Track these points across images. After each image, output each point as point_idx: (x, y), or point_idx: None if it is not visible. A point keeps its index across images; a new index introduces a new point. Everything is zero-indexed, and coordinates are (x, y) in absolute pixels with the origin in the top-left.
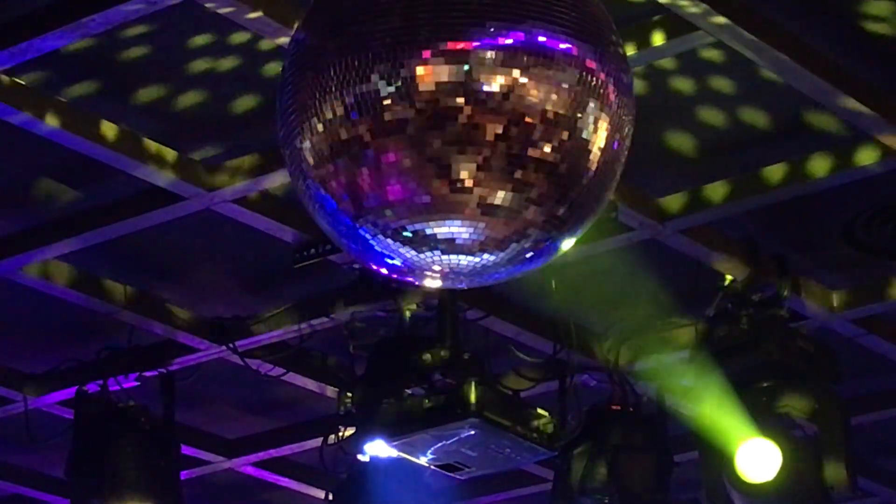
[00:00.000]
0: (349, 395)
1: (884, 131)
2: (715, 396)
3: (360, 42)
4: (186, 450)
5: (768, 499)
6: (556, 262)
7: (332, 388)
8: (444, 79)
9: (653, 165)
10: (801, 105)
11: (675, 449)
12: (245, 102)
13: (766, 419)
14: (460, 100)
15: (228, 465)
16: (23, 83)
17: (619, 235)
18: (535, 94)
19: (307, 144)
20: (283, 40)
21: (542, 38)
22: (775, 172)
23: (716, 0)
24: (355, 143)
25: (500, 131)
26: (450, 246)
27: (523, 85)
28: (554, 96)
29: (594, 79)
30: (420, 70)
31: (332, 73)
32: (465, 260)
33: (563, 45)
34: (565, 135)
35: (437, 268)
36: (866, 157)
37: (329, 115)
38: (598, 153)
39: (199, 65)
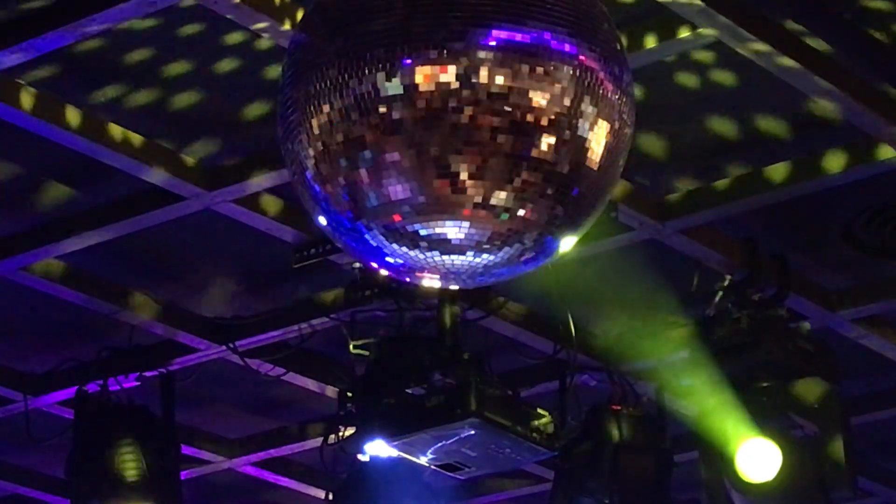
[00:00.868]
0: (349, 395)
1: (884, 132)
2: (715, 396)
3: (360, 42)
4: (186, 450)
5: (768, 499)
6: (557, 262)
7: (332, 388)
8: (444, 79)
9: (653, 165)
10: (801, 105)
11: (675, 449)
12: (245, 102)
13: (766, 419)
14: (459, 100)
15: (228, 465)
16: (23, 83)
17: (619, 235)
18: (534, 94)
19: (307, 144)
20: (284, 40)
21: (540, 38)
22: (775, 173)
23: (716, 0)
24: (355, 143)
25: (499, 131)
26: (449, 246)
27: (522, 85)
28: (553, 96)
29: (593, 78)
30: (419, 70)
31: (331, 73)
32: (464, 260)
33: (562, 45)
34: (565, 134)
35: (436, 268)
36: (866, 157)
37: (328, 115)
38: (598, 153)
39: (200, 65)
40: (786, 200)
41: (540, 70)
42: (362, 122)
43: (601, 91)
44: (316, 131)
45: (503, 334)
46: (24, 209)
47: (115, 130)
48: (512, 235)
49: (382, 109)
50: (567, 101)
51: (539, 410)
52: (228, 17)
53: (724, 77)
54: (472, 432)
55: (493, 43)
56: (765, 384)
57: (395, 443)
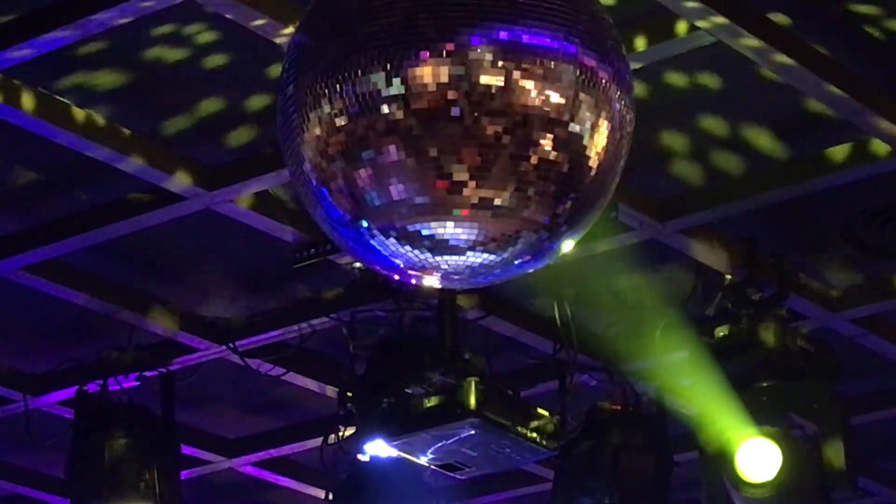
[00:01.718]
0: (349, 395)
1: (884, 131)
2: (715, 396)
3: (360, 42)
4: (186, 450)
5: (768, 499)
6: (557, 263)
7: (332, 388)
8: (444, 79)
9: (653, 165)
10: (801, 105)
11: (675, 449)
12: (245, 102)
13: (766, 419)
14: (460, 100)
15: (228, 465)
16: (23, 83)
17: (619, 235)
18: (534, 94)
19: (307, 144)
20: (284, 40)
21: (541, 38)
22: (775, 172)
23: (716, 0)
24: (355, 143)
25: (499, 131)
26: (449, 246)
27: (522, 85)
28: (553, 96)
29: (593, 78)
30: (419, 70)
31: (331, 73)
32: (464, 260)
33: (562, 45)
34: (565, 134)
35: (436, 268)
36: (866, 157)
37: (329, 116)
38: (599, 153)
39: (199, 65)
40: (786, 200)
41: (540, 70)
42: (362, 122)
43: (601, 91)
44: (316, 131)
45: (503, 334)
46: (25, 209)
47: (116, 130)
48: (512, 236)
49: (383, 109)
50: (567, 101)
51: (539, 410)
52: (230, 17)
53: (724, 77)
54: (472, 432)
55: (493, 43)
56: (765, 384)
57: (395, 443)
